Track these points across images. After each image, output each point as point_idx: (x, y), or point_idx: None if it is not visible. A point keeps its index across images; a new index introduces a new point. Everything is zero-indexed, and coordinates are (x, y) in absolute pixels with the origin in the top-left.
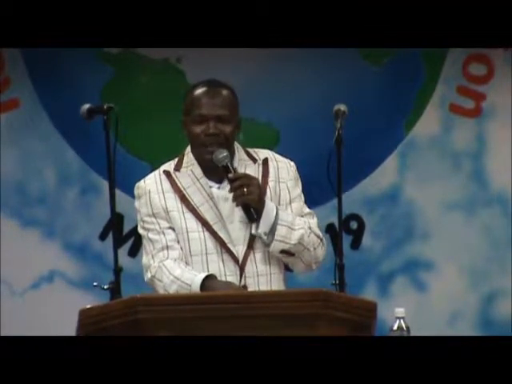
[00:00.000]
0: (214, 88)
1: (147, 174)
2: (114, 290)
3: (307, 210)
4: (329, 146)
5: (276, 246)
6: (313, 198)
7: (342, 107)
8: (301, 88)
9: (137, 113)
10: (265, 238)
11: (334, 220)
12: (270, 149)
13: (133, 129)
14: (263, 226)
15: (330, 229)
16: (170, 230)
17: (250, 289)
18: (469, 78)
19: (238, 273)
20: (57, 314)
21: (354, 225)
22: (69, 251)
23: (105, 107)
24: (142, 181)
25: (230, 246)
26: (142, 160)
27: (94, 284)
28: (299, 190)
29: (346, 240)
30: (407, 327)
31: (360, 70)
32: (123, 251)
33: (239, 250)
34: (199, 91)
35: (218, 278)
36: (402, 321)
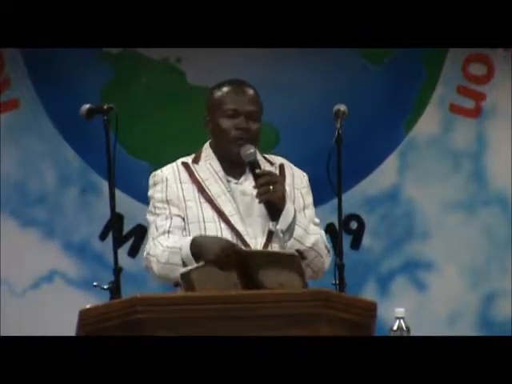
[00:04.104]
0: (242, 86)
1: (147, 174)
2: (114, 290)
3: (317, 220)
4: (329, 146)
5: (293, 245)
6: (313, 197)
7: (342, 107)
8: (301, 88)
9: (137, 113)
10: (281, 235)
11: (334, 220)
12: (270, 148)
13: (133, 129)
14: (282, 224)
15: (329, 229)
16: (178, 218)
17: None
18: (469, 78)
19: None
20: (57, 313)
21: (353, 225)
22: (69, 251)
23: (105, 107)
24: (159, 170)
25: (246, 238)
26: (142, 160)
27: (94, 284)
28: (311, 199)
29: (346, 240)
30: (407, 327)
31: (360, 69)
32: (123, 251)
33: (257, 244)
34: (228, 88)
35: None
36: (401, 321)
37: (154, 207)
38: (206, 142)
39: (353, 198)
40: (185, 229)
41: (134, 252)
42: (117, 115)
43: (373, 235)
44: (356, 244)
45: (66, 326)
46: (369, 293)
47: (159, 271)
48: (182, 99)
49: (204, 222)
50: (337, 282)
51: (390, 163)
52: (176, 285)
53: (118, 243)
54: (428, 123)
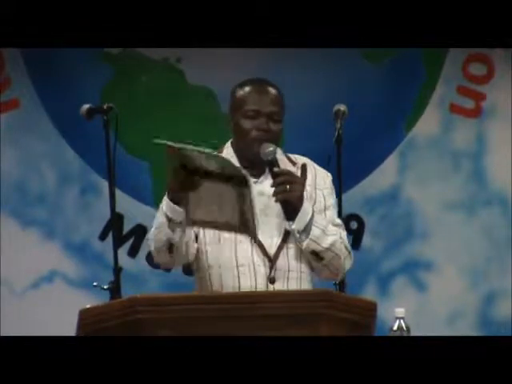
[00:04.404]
0: (265, 86)
1: (147, 174)
2: (114, 290)
3: (338, 220)
4: (329, 146)
5: (309, 245)
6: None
7: (342, 107)
8: (301, 88)
9: (137, 113)
10: (297, 235)
11: None
12: None
13: (133, 129)
14: (298, 224)
15: None
16: None
17: (279, 282)
18: (469, 78)
19: (268, 264)
20: (57, 314)
21: (353, 225)
22: (69, 251)
23: (105, 107)
24: None
25: (260, 237)
26: (142, 160)
27: (94, 284)
28: (333, 200)
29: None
30: (407, 327)
31: (360, 69)
32: (123, 251)
33: (273, 243)
34: (250, 88)
35: (247, 267)
36: (401, 321)
37: None
38: (206, 141)
39: (353, 198)
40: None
41: (134, 252)
42: (117, 115)
43: (373, 235)
44: (356, 244)
45: (66, 326)
46: (369, 293)
47: (154, 244)
48: (182, 99)
49: None
50: (337, 282)
51: (390, 163)
52: (170, 249)
53: (117, 243)
54: (428, 123)
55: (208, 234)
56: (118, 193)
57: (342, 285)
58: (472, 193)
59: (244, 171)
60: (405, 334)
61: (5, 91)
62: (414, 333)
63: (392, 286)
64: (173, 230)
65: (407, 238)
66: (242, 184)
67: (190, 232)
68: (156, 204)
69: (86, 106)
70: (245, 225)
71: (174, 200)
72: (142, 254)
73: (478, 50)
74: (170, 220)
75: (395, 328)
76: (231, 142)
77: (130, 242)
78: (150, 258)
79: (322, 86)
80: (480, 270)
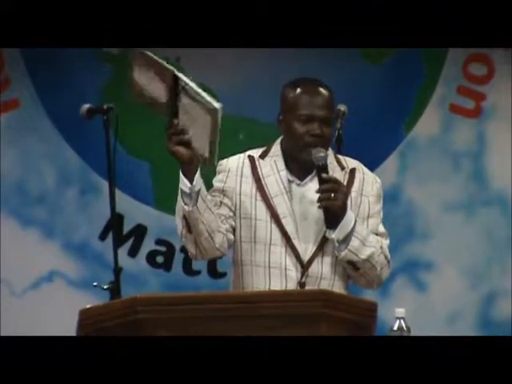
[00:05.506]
0: (316, 87)
1: (147, 174)
2: (114, 290)
3: (382, 229)
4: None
5: (346, 256)
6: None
7: (342, 107)
8: None
9: (136, 113)
10: (336, 245)
11: None
12: None
13: (133, 129)
14: (338, 233)
15: None
16: (226, 208)
17: (309, 288)
18: (469, 78)
19: (300, 269)
20: (57, 314)
21: None
22: (69, 251)
23: (105, 107)
24: (225, 159)
25: (295, 241)
26: (142, 160)
27: (94, 284)
28: (379, 207)
29: None
30: (407, 327)
31: (360, 69)
32: (123, 251)
33: (308, 249)
34: (302, 89)
35: (279, 270)
36: (402, 321)
37: (211, 195)
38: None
39: None
40: (234, 222)
41: (134, 252)
42: (117, 115)
43: None
44: None
45: (66, 325)
46: (369, 293)
47: (177, 226)
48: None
49: (256, 219)
50: None
51: (390, 163)
52: (188, 227)
53: (118, 243)
54: (428, 123)
55: (244, 231)
56: (118, 193)
57: None
58: (472, 193)
59: (217, 104)
60: (405, 334)
61: (5, 91)
62: (414, 333)
63: (392, 286)
64: (185, 203)
65: (407, 238)
66: (214, 112)
67: (215, 219)
68: (156, 204)
69: (85, 106)
70: (210, 157)
71: (184, 172)
72: (142, 253)
73: (478, 49)
74: (181, 192)
75: (395, 328)
76: (281, 140)
77: (130, 242)
78: (150, 257)
79: None
80: (480, 270)
